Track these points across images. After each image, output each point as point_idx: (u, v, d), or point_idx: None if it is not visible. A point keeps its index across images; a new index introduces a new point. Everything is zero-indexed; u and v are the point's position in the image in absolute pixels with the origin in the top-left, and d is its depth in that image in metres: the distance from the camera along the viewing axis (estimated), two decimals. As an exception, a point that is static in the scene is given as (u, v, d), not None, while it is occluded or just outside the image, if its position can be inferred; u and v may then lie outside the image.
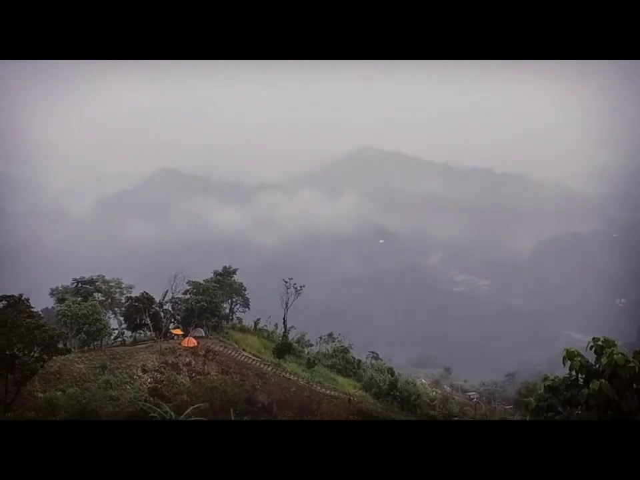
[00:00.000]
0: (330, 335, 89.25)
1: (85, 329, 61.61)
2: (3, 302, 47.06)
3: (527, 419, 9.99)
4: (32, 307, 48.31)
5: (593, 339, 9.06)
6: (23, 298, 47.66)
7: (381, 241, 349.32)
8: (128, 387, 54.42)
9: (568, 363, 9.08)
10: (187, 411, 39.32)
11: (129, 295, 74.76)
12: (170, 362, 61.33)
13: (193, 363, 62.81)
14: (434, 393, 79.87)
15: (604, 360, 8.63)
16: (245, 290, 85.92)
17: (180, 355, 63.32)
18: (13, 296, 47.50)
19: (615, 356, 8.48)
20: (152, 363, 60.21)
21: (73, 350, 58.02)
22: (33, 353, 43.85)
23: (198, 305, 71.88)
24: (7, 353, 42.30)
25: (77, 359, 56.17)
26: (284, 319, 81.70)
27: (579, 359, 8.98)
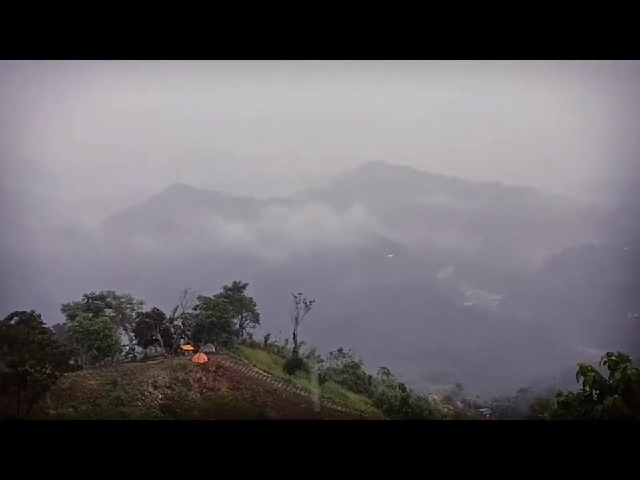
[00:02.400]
0: (340, 350, 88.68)
1: (96, 345, 61.86)
2: (15, 318, 47.45)
3: None
4: (43, 323, 48.74)
5: (607, 353, 8.99)
6: (34, 314, 48.06)
7: (390, 255, 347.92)
8: (139, 403, 54.38)
9: (581, 378, 9.00)
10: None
11: (139, 311, 74.98)
12: (181, 378, 61.31)
13: (204, 379, 62.74)
14: (446, 410, 79.16)
15: (617, 375, 8.58)
16: (254, 305, 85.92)
17: (190, 371, 63.28)
18: (25, 312, 47.92)
19: (628, 371, 8.43)
20: (162, 379, 60.18)
21: (84, 366, 58.26)
22: (44, 369, 44.00)
23: (208, 320, 71.90)
24: (19, 369, 42.54)
25: (88, 376, 56.26)
26: (294, 334, 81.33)
27: (593, 374, 8.92)
